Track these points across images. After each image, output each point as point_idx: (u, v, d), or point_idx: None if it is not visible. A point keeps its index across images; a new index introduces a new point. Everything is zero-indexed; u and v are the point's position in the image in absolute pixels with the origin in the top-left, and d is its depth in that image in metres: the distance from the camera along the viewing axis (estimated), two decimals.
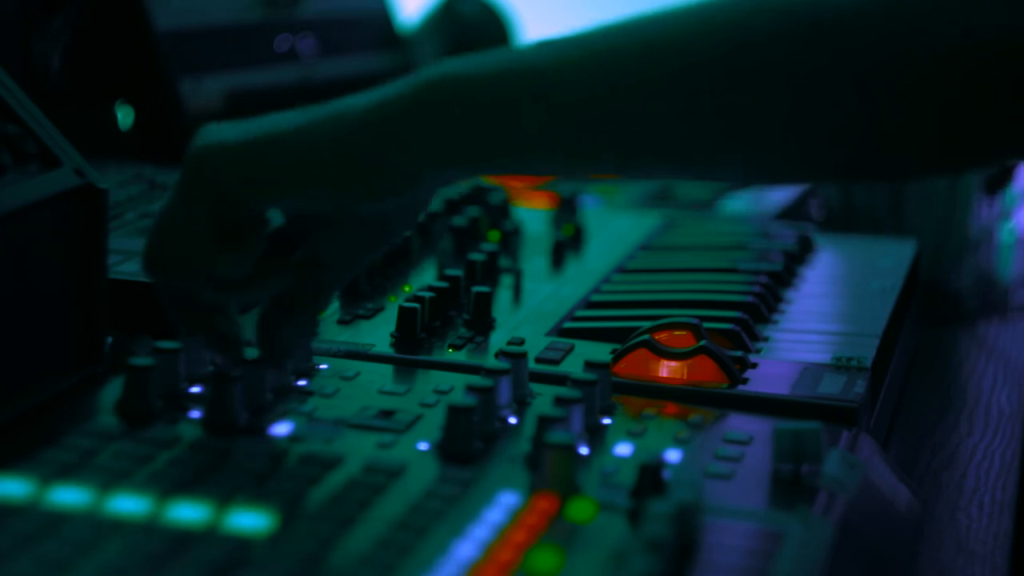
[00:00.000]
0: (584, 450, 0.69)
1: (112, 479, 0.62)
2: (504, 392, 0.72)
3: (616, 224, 1.15)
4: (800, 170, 0.75)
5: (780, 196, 1.27)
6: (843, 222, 1.27)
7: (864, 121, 0.67)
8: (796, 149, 0.70)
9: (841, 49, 0.67)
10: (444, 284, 0.89)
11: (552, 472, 0.64)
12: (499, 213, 1.09)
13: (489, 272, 0.97)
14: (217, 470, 0.64)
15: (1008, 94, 0.66)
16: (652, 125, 0.69)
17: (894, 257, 1.09)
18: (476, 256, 0.96)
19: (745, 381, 0.81)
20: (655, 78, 0.69)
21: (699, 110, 0.69)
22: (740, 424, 0.74)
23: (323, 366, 0.79)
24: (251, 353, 0.72)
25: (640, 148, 0.70)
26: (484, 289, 0.89)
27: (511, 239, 1.06)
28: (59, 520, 0.59)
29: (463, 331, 0.87)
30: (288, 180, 0.69)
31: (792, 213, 1.24)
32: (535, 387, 0.77)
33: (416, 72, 0.70)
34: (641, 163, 0.72)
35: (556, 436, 0.65)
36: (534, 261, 1.04)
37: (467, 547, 0.59)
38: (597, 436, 0.72)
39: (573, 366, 0.81)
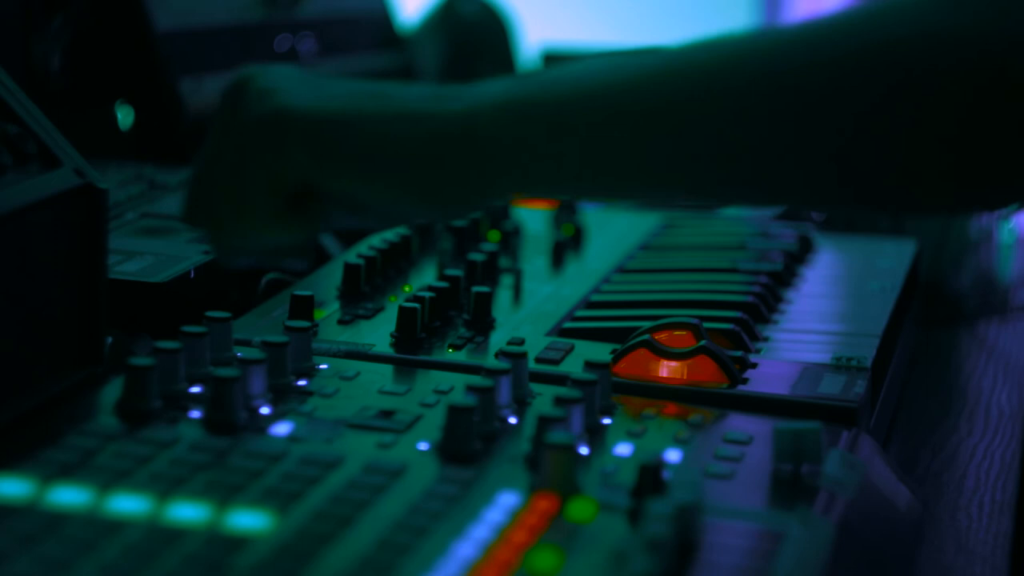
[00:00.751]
0: (584, 450, 0.69)
1: (112, 479, 0.62)
2: (504, 392, 0.72)
3: (616, 224, 1.15)
4: (810, 199, 0.75)
5: None
6: (843, 222, 1.27)
7: (866, 151, 0.68)
8: (803, 180, 0.70)
9: (841, 82, 0.67)
10: (444, 284, 0.89)
11: (552, 472, 0.64)
12: (499, 213, 1.09)
13: (489, 272, 0.97)
14: (217, 470, 0.64)
15: (1005, 124, 0.66)
16: (659, 154, 0.69)
17: (894, 257, 1.09)
18: (476, 256, 0.96)
19: (745, 381, 0.81)
20: (677, 107, 0.69)
21: (705, 143, 0.69)
22: (740, 424, 0.74)
23: (323, 366, 0.79)
24: (251, 353, 0.73)
25: (645, 177, 0.70)
26: (484, 289, 0.89)
27: (511, 239, 1.06)
28: (59, 520, 0.59)
29: (463, 331, 0.87)
30: (371, 176, 0.67)
31: (792, 213, 1.24)
32: (535, 387, 0.77)
33: (491, 83, 0.69)
34: (649, 190, 0.72)
35: (556, 436, 0.65)
36: (534, 261, 1.04)
37: (467, 547, 0.59)
38: (597, 436, 0.72)
39: (573, 366, 0.81)
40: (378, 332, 0.86)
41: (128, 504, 0.60)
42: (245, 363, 0.71)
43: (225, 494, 0.62)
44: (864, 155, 0.68)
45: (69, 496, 0.61)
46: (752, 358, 0.84)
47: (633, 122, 0.69)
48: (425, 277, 0.97)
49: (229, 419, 0.69)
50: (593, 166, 0.69)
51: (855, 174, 0.69)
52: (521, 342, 0.85)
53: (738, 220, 1.20)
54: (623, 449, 0.70)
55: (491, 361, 0.79)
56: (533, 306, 0.93)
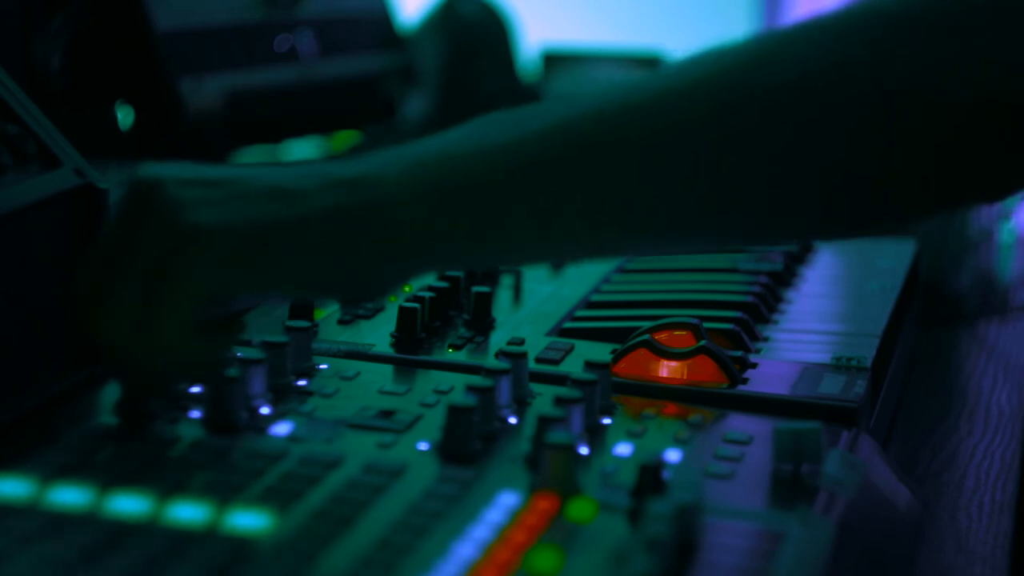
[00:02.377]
0: (584, 450, 0.69)
1: (112, 479, 0.62)
2: (504, 392, 0.72)
3: None
4: (803, 225, 0.75)
5: None
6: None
7: (865, 165, 0.68)
8: (793, 205, 0.70)
9: (836, 96, 0.67)
10: (444, 284, 0.89)
11: (552, 472, 0.64)
12: None
13: (489, 272, 0.97)
14: (217, 470, 0.64)
15: (1000, 131, 0.66)
16: (642, 188, 0.68)
17: (894, 257, 1.09)
18: None
19: (745, 381, 0.81)
20: (643, 141, 0.68)
21: (692, 171, 0.68)
22: (740, 424, 0.74)
23: (323, 366, 0.79)
24: (251, 353, 0.73)
25: (631, 216, 0.69)
26: (484, 289, 0.89)
27: None
28: (59, 520, 0.59)
29: (463, 331, 0.87)
30: (289, 279, 0.67)
31: None
32: (535, 387, 0.77)
33: (391, 157, 0.68)
34: (638, 234, 0.71)
35: (556, 436, 0.65)
36: None
37: (467, 547, 0.59)
38: (597, 436, 0.72)
39: (573, 366, 0.81)
40: (378, 332, 0.86)
41: (128, 504, 0.60)
42: (245, 363, 0.71)
43: (225, 494, 0.62)
44: (856, 167, 0.68)
45: (69, 496, 0.61)
46: (752, 358, 0.84)
47: (550, 175, 0.68)
48: (425, 277, 0.97)
49: (229, 419, 0.69)
50: (498, 230, 0.68)
51: (844, 190, 0.69)
52: (521, 342, 0.85)
53: None
54: (623, 449, 0.70)
55: (491, 361, 0.79)
56: (533, 306, 0.93)
